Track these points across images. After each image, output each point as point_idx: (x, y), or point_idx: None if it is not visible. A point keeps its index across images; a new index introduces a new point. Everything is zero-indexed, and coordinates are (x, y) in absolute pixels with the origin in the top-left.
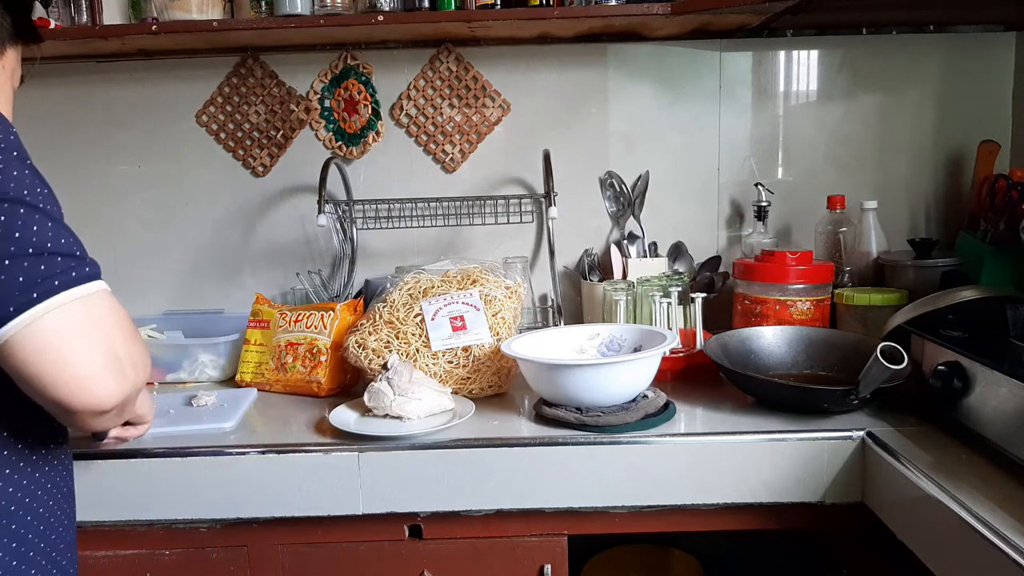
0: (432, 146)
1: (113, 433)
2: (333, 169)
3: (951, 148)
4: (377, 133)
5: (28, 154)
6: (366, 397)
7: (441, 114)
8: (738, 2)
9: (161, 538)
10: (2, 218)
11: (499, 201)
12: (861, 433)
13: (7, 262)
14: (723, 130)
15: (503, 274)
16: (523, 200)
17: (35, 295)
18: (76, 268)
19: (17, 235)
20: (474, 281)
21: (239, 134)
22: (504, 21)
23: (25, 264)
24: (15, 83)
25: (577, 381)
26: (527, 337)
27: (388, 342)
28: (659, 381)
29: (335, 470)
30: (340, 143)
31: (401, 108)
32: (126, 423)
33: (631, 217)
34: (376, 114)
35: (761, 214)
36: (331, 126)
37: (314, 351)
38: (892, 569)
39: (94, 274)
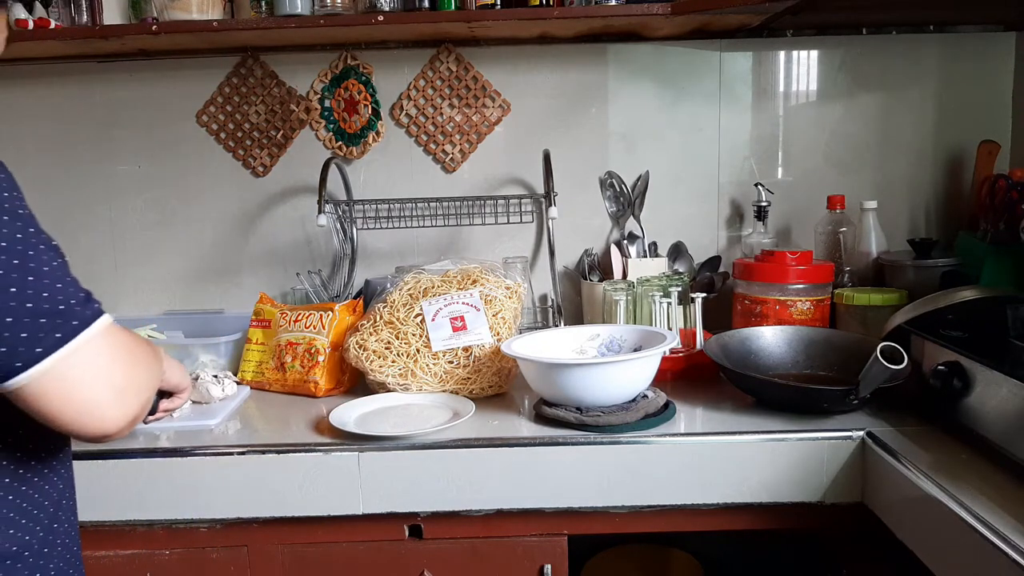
0: (432, 146)
1: (162, 407)
2: (333, 169)
3: (951, 148)
4: (377, 133)
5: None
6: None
7: (441, 114)
8: (738, 2)
9: (161, 538)
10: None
11: (499, 201)
12: (861, 433)
13: (10, 319)
14: (723, 130)
15: (503, 274)
16: (523, 200)
17: (39, 350)
18: (79, 314)
19: (24, 285)
20: (474, 281)
21: (239, 134)
22: (504, 21)
23: (31, 316)
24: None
25: (577, 381)
26: (527, 337)
27: (389, 343)
28: (659, 381)
29: (335, 470)
30: (340, 143)
31: (401, 108)
32: (170, 395)
33: (631, 217)
34: (376, 114)
35: (761, 214)
36: (331, 126)
37: (312, 351)
38: (892, 569)
39: (96, 312)
